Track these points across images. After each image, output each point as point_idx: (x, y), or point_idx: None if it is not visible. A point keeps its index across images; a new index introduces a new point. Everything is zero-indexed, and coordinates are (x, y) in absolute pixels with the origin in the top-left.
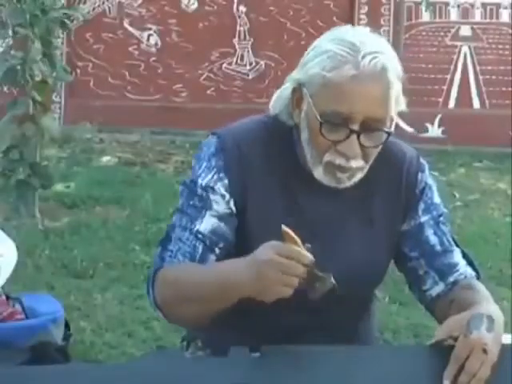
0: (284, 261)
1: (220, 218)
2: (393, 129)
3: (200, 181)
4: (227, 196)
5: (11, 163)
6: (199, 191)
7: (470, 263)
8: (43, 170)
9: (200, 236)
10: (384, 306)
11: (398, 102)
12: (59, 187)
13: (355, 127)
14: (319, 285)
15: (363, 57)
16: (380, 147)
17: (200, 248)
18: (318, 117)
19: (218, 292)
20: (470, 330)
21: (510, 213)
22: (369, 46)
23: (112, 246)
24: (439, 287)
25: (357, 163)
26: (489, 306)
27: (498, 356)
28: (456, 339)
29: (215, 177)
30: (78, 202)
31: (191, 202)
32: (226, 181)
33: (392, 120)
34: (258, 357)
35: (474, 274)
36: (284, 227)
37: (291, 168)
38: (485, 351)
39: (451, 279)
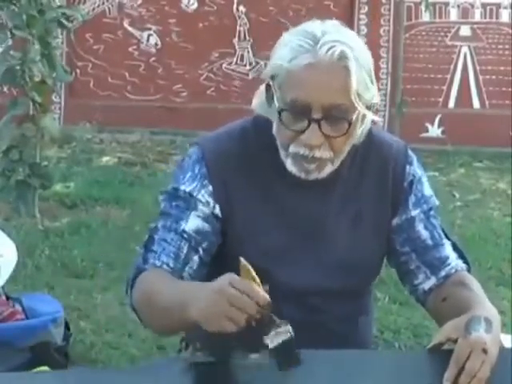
0: (235, 293)
1: (204, 219)
2: (368, 121)
3: (184, 187)
4: (212, 202)
5: (11, 163)
6: (183, 195)
7: (461, 255)
8: (43, 170)
9: (185, 235)
10: (384, 306)
11: (364, 93)
12: (59, 187)
13: (315, 116)
14: (275, 333)
15: (321, 46)
16: (353, 138)
17: (185, 248)
18: (278, 107)
19: (174, 308)
20: (468, 331)
21: (509, 213)
22: (329, 36)
23: (112, 245)
24: (431, 281)
25: (322, 153)
26: (485, 306)
27: (497, 358)
28: (455, 341)
29: (199, 184)
30: (78, 202)
31: (174, 204)
32: (211, 187)
33: (355, 109)
34: (259, 361)
35: (464, 266)
36: (242, 260)
37: (273, 166)
38: (484, 351)
39: (443, 273)
